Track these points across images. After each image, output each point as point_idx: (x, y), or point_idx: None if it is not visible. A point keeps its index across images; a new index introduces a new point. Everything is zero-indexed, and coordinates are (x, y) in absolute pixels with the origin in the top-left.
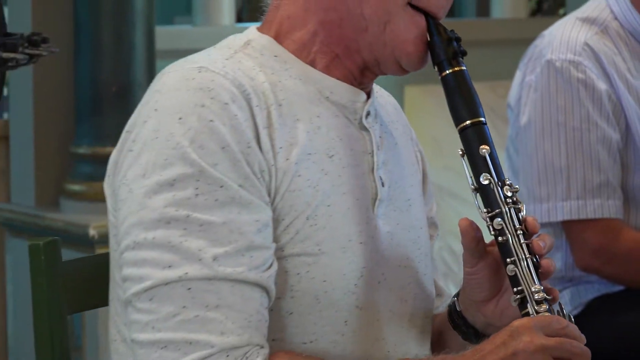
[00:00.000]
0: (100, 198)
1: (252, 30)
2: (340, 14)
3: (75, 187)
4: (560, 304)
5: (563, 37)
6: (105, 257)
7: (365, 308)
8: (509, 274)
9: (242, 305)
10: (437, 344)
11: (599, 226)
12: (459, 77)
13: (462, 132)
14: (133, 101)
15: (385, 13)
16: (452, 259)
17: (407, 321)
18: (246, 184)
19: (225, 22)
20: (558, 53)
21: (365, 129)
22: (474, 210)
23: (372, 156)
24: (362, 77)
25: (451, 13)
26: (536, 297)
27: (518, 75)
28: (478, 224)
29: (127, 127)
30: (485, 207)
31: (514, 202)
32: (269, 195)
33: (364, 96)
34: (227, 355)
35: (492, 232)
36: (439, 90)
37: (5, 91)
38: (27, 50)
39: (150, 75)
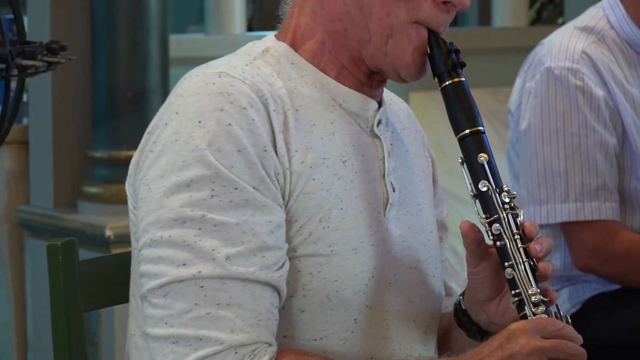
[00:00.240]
0: (116, 200)
1: (270, 37)
2: (345, 25)
3: (92, 190)
4: (557, 306)
5: (562, 45)
6: (121, 257)
7: (375, 307)
8: (507, 277)
9: (252, 304)
10: (443, 342)
11: (596, 228)
12: (458, 88)
13: (462, 141)
14: (148, 107)
15: (388, 27)
16: (455, 260)
17: (413, 321)
18: (261, 187)
19: (236, 30)
20: (557, 61)
21: (376, 136)
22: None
23: (384, 162)
24: (371, 84)
25: (454, 22)
26: (533, 300)
27: (518, 82)
28: (479, 227)
29: (149, 129)
30: (484, 213)
31: (512, 208)
32: (283, 197)
33: (375, 105)
34: (236, 352)
35: (491, 237)
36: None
37: (24, 97)
38: (45, 58)
39: (164, 81)
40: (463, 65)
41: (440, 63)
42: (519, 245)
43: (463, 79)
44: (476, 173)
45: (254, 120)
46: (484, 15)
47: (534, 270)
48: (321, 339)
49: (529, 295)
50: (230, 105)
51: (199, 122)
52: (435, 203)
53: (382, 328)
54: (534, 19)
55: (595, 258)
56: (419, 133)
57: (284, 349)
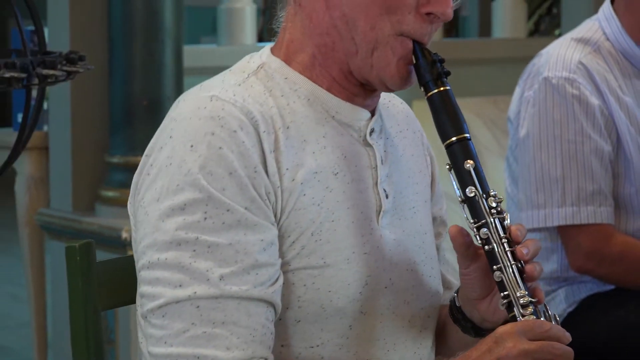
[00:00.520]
0: None
1: (266, 51)
2: (333, 39)
3: (110, 194)
4: (545, 305)
5: (559, 56)
6: None
7: (370, 312)
8: (496, 279)
9: (247, 321)
10: (440, 336)
11: (591, 231)
12: (444, 97)
13: (449, 148)
14: (163, 114)
15: (373, 40)
16: (453, 259)
17: (408, 322)
18: (252, 207)
19: (247, 41)
20: (554, 71)
21: (369, 145)
22: None
23: (376, 170)
24: (363, 94)
25: (456, 34)
26: (521, 302)
27: (517, 91)
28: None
29: (146, 151)
30: (472, 218)
31: (499, 212)
32: (275, 215)
33: (367, 114)
34: None
35: (479, 241)
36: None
37: (45, 105)
38: (65, 68)
39: (178, 90)
40: (448, 74)
41: (426, 73)
42: (507, 249)
43: (448, 87)
44: (463, 179)
45: (244, 142)
46: (485, 27)
47: (521, 272)
48: (317, 346)
49: (517, 298)
50: (221, 129)
51: (191, 146)
52: (434, 200)
53: (377, 331)
54: (532, 30)
55: (591, 260)
56: (418, 133)
57: None
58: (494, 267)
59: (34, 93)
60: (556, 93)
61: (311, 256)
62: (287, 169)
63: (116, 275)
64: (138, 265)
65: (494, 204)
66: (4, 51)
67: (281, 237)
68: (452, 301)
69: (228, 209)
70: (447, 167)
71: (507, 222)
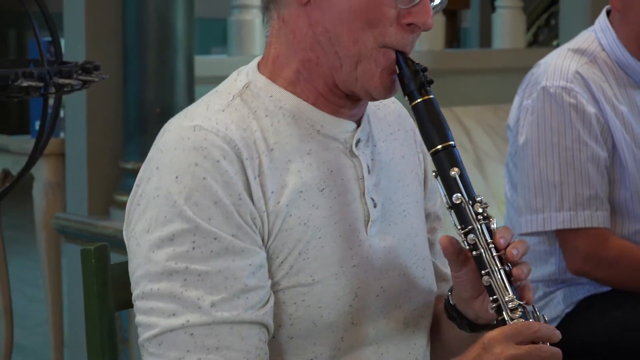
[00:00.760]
0: None
1: (253, 67)
2: (317, 54)
3: (124, 198)
4: (533, 306)
5: (557, 66)
6: None
7: (361, 322)
8: (485, 284)
9: (240, 345)
10: (435, 327)
11: (588, 234)
12: (428, 105)
13: (435, 156)
14: None
15: (357, 54)
16: None
17: (402, 324)
18: (239, 233)
19: (256, 52)
20: (552, 80)
21: (356, 156)
22: None
23: (363, 181)
24: (350, 105)
25: (457, 44)
26: (510, 306)
27: (516, 99)
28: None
29: (137, 180)
30: (459, 224)
31: (485, 218)
32: (263, 238)
33: (353, 125)
34: None
35: (467, 247)
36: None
37: (61, 113)
38: (81, 77)
39: (190, 98)
40: (431, 82)
41: (410, 82)
42: (494, 254)
43: (432, 96)
44: (450, 186)
45: (227, 171)
46: (485, 38)
47: (509, 276)
48: (311, 359)
49: (505, 302)
50: (204, 159)
51: (176, 177)
52: (427, 196)
53: (369, 338)
54: (531, 41)
55: (588, 263)
56: (410, 132)
57: None
58: (482, 272)
59: (51, 101)
60: (554, 102)
61: (300, 274)
62: (272, 192)
63: (129, 277)
64: (133, 295)
65: (480, 210)
66: (22, 61)
67: (270, 258)
68: (447, 300)
69: (215, 238)
70: (434, 174)
71: (494, 226)
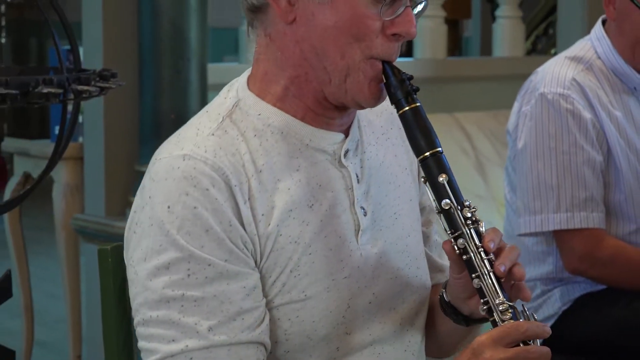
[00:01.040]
0: None
1: (243, 83)
2: (306, 70)
3: None
4: (523, 306)
5: (554, 73)
6: None
7: (355, 331)
8: (475, 287)
9: None
10: (431, 318)
11: (584, 235)
12: (415, 113)
13: (423, 162)
14: None
15: (345, 68)
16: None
17: (399, 325)
18: (231, 258)
19: None
20: (550, 87)
21: (344, 166)
22: None
23: (352, 191)
24: (339, 116)
25: (459, 53)
26: (500, 308)
27: (516, 105)
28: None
29: (133, 207)
30: (449, 229)
31: (474, 222)
32: (255, 260)
33: (341, 137)
34: None
35: (457, 251)
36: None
37: (80, 118)
38: (98, 84)
39: (203, 104)
40: (417, 90)
41: (396, 91)
42: (483, 257)
43: (419, 104)
44: (439, 192)
45: (217, 199)
46: (486, 46)
47: (499, 278)
48: None
49: (496, 305)
50: (194, 189)
51: (168, 207)
52: (421, 191)
53: (365, 342)
54: (529, 49)
55: (584, 262)
56: (402, 130)
57: None
58: (473, 275)
59: (70, 107)
60: (551, 108)
61: (292, 291)
62: (262, 215)
63: None
64: (134, 321)
65: (468, 214)
66: (42, 69)
67: (263, 278)
68: (441, 297)
69: (209, 264)
70: (422, 180)
71: (483, 229)
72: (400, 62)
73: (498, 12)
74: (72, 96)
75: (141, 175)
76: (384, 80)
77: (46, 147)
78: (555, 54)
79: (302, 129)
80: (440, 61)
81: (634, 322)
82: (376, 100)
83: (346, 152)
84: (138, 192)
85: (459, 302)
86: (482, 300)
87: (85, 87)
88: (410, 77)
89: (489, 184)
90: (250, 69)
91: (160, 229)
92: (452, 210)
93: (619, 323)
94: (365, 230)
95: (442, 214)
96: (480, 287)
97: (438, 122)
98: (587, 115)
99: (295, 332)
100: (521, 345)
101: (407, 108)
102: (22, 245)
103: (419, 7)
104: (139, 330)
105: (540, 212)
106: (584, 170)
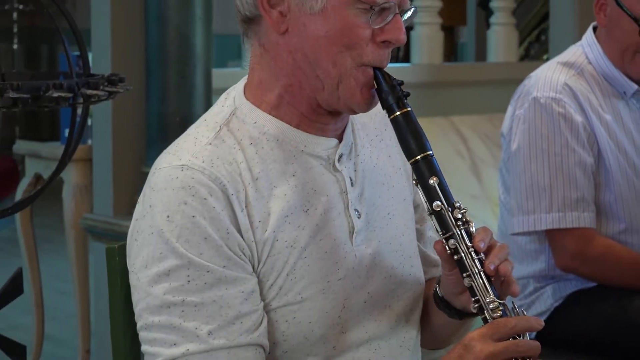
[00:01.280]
0: None
1: (239, 92)
2: (300, 78)
3: None
4: (513, 303)
5: (546, 78)
6: None
7: (351, 330)
8: (466, 285)
9: None
10: (426, 313)
11: (575, 234)
12: (406, 117)
13: (414, 165)
14: None
15: (337, 75)
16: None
17: (394, 321)
18: (229, 264)
19: None
20: (542, 91)
21: (338, 170)
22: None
23: (347, 194)
24: (333, 121)
25: (455, 58)
26: (491, 306)
27: (509, 109)
28: None
29: (134, 214)
30: (440, 229)
31: (464, 223)
32: (253, 266)
33: (334, 142)
34: None
35: (449, 251)
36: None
37: (89, 122)
38: (107, 88)
39: (207, 108)
40: (407, 95)
41: (388, 96)
42: (474, 257)
43: (409, 109)
44: (430, 194)
45: (214, 208)
46: (480, 52)
47: (490, 277)
48: None
49: (486, 303)
50: (193, 198)
51: (168, 216)
52: (415, 189)
53: (361, 340)
54: (522, 55)
55: (575, 260)
56: None
57: None
58: (464, 274)
59: (79, 111)
60: (544, 111)
61: (289, 294)
62: (259, 222)
63: None
64: (137, 326)
65: (459, 215)
66: (53, 74)
67: (260, 282)
68: (435, 292)
69: (208, 270)
70: (414, 182)
71: (473, 229)
72: (398, 68)
73: (492, 20)
74: (81, 100)
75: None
76: (376, 86)
77: (56, 149)
78: (547, 59)
79: (297, 136)
80: (437, 66)
81: (622, 318)
82: (368, 106)
83: (340, 156)
84: (139, 201)
85: (451, 297)
86: (473, 299)
87: (94, 92)
88: (401, 83)
89: (484, 184)
90: (246, 77)
91: (160, 237)
92: (442, 211)
93: (608, 319)
94: (360, 231)
95: (433, 215)
96: (471, 285)
97: (434, 126)
98: (578, 118)
99: (292, 333)
100: (511, 340)
101: (398, 113)
102: (33, 243)
103: (408, 14)
104: (142, 334)
105: (533, 212)
106: (576, 171)
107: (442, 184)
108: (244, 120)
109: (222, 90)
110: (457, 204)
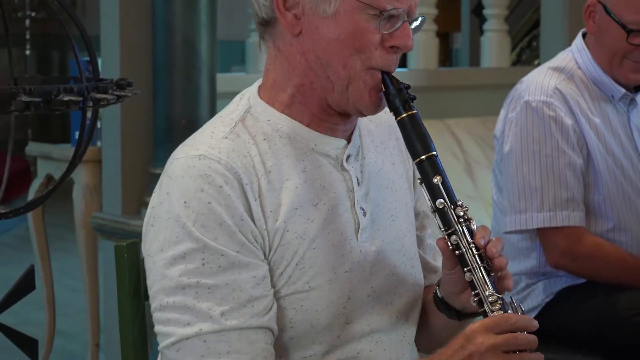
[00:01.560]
0: None
1: (254, 92)
2: (311, 79)
3: None
4: (511, 298)
5: (538, 82)
6: None
7: (355, 321)
8: (467, 280)
9: (248, 348)
10: (425, 315)
11: (566, 232)
12: (412, 120)
13: (419, 165)
14: None
15: (347, 77)
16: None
17: (395, 317)
18: (242, 250)
19: None
20: (534, 95)
21: (346, 170)
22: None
23: (353, 193)
24: (343, 122)
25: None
26: (490, 300)
27: (502, 112)
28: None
29: (150, 203)
30: (443, 226)
31: (466, 220)
32: (265, 253)
33: (343, 142)
34: None
35: (451, 247)
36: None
37: (98, 124)
38: (115, 92)
39: (212, 111)
40: (414, 98)
41: (395, 99)
42: (474, 253)
43: (415, 111)
44: (433, 192)
45: (229, 195)
46: (474, 58)
47: (489, 272)
48: (310, 355)
49: (486, 296)
50: (209, 186)
51: (185, 202)
52: (416, 197)
53: (364, 331)
54: (515, 60)
55: (565, 257)
56: (400, 140)
57: None
58: (465, 269)
59: (89, 114)
60: (535, 114)
61: (297, 283)
62: (271, 212)
63: None
64: (151, 307)
65: (461, 213)
66: (63, 78)
67: (271, 270)
68: (435, 294)
69: (222, 254)
70: (419, 181)
71: (474, 227)
72: (395, 73)
73: (486, 26)
74: (91, 103)
75: (155, 176)
76: (383, 89)
77: (67, 150)
78: (538, 64)
79: (308, 134)
80: (432, 71)
81: (610, 313)
82: (376, 108)
83: (348, 157)
84: (155, 190)
85: (451, 297)
86: (473, 293)
87: (103, 95)
88: (408, 87)
89: (478, 185)
90: (260, 79)
91: (177, 222)
92: (445, 209)
93: (597, 314)
94: (365, 229)
95: (436, 213)
96: (472, 280)
97: (430, 128)
98: (568, 121)
99: (299, 320)
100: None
101: (404, 115)
102: (44, 242)
103: (417, 22)
104: (156, 315)
105: (525, 211)
106: (566, 172)
107: (445, 183)
108: (258, 118)
109: (227, 94)
110: (460, 202)
